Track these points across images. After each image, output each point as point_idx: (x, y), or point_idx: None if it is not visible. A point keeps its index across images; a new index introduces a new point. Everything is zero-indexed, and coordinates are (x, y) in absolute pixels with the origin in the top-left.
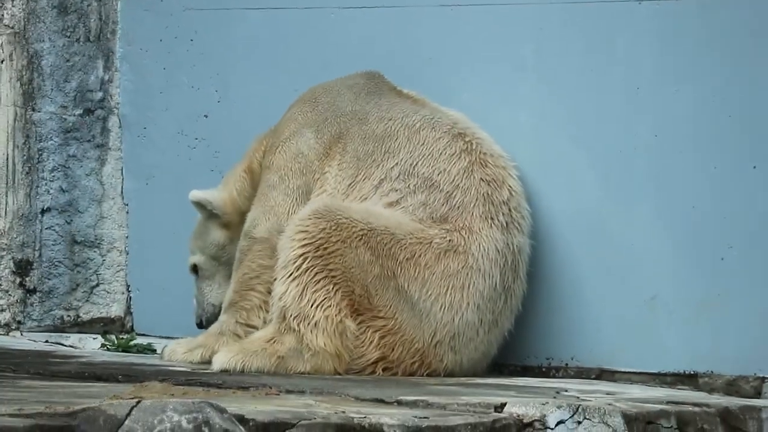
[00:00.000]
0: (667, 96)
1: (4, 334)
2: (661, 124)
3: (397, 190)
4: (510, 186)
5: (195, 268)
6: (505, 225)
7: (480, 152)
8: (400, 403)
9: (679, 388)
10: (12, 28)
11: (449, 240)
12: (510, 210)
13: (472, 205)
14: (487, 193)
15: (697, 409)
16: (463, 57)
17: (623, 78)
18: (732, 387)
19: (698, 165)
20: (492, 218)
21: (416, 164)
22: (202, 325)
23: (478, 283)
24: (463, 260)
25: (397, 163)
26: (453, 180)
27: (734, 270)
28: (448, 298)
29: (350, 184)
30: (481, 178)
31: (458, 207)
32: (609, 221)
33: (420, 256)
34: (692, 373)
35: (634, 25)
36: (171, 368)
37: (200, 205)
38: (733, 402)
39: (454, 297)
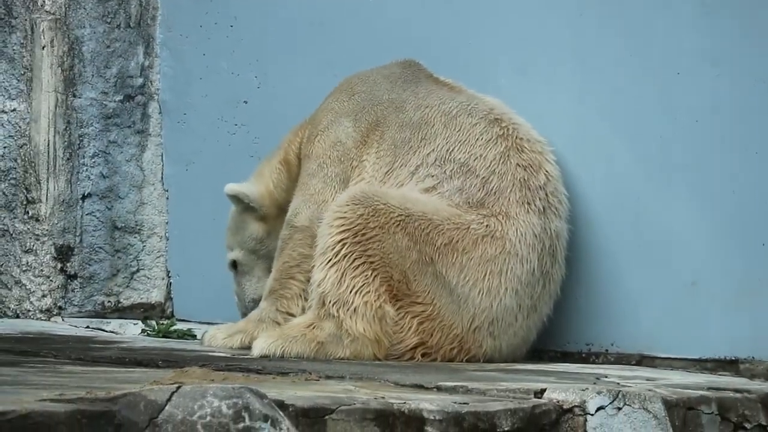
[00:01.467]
0: (708, 80)
1: (45, 320)
2: (701, 108)
3: (433, 176)
4: (547, 171)
5: (234, 264)
6: (542, 210)
7: (516, 137)
8: (439, 388)
9: (719, 374)
10: (53, 14)
11: (486, 225)
12: (547, 195)
13: (508, 191)
14: (524, 179)
15: (738, 395)
16: (501, 42)
17: (663, 62)
18: None
19: (739, 150)
20: (529, 203)
21: (452, 150)
22: None
23: (515, 268)
24: (500, 245)
25: (433, 150)
26: (489, 165)
27: None
28: (486, 283)
29: (387, 172)
30: (518, 164)
31: (495, 192)
32: (649, 206)
33: (457, 241)
34: (733, 359)
35: (674, 8)
36: (211, 354)
37: (237, 198)
38: None
39: (492, 282)
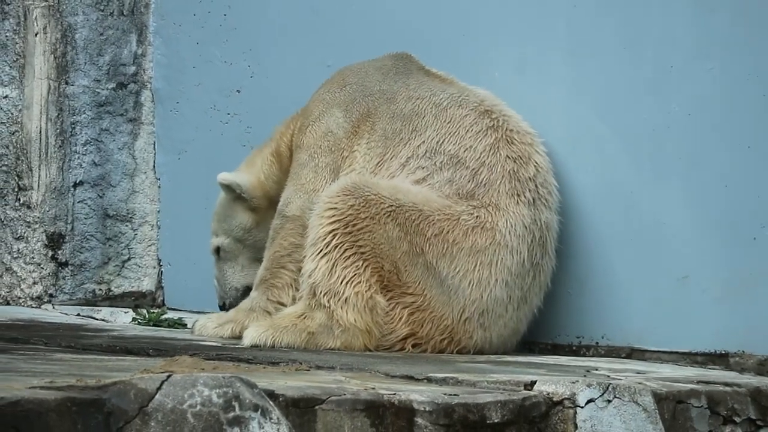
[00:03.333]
0: (701, 74)
1: (36, 307)
2: (694, 102)
3: (423, 168)
4: (536, 162)
5: (218, 250)
6: (531, 201)
7: (506, 129)
8: (429, 380)
9: (709, 368)
10: (46, 1)
11: (476, 216)
12: (536, 186)
13: (498, 182)
14: (513, 170)
15: (728, 389)
16: (494, 34)
17: (656, 55)
18: (763, 367)
19: (732, 144)
20: (518, 195)
21: (443, 141)
22: (225, 307)
23: (505, 260)
24: (490, 236)
25: (423, 141)
26: (479, 157)
27: (766, 250)
28: (476, 274)
29: (378, 163)
30: (507, 155)
31: (484, 184)
32: (640, 199)
33: (448, 232)
34: (723, 352)
35: (667, 1)
36: (201, 343)
37: (229, 188)
38: (765, 382)
39: (482, 273)
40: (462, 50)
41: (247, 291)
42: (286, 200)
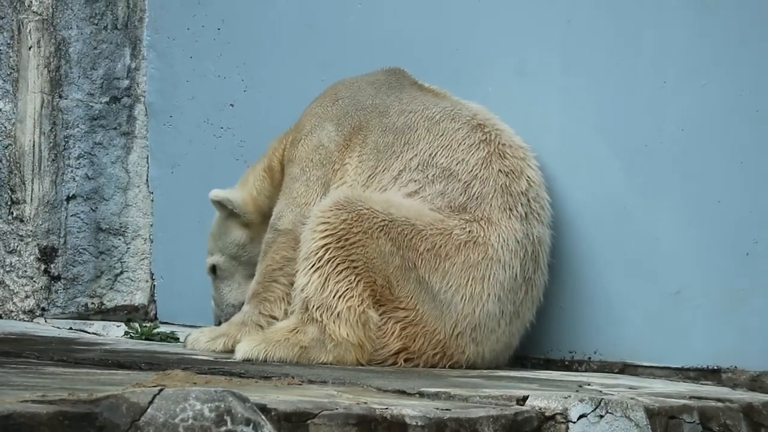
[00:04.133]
0: (695, 90)
1: (28, 321)
2: (688, 117)
3: (415, 181)
4: (528, 177)
5: (214, 269)
6: (524, 215)
7: (499, 143)
8: (421, 394)
9: (702, 383)
10: (40, 14)
11: (469, 231)
12: (529, 200)
13: (490, 196)
14: (506, 184)
15: (720, 404)
16: (488, 49)
17: (650, 70)
18: (755, 383)
19: (725, 159)
20: (510, 209)
21: (435, 155)
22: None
23: (498, 274)
24: (482, 251)
25: (416, 154)
26: (471, 170)
27: (759, 265)
28: (468, 289)
29: (370, 176)
30: (500, 169)
31: (476, 197)
32: (634, 214)
33: (440, 247)
34: (716, 368)
35: (663, 16)
36: (194, 357)
37: (221, 204)
38: (757, 398)
39: (474, 288)
40: (455, 65)
41: None
42: (278, 214)
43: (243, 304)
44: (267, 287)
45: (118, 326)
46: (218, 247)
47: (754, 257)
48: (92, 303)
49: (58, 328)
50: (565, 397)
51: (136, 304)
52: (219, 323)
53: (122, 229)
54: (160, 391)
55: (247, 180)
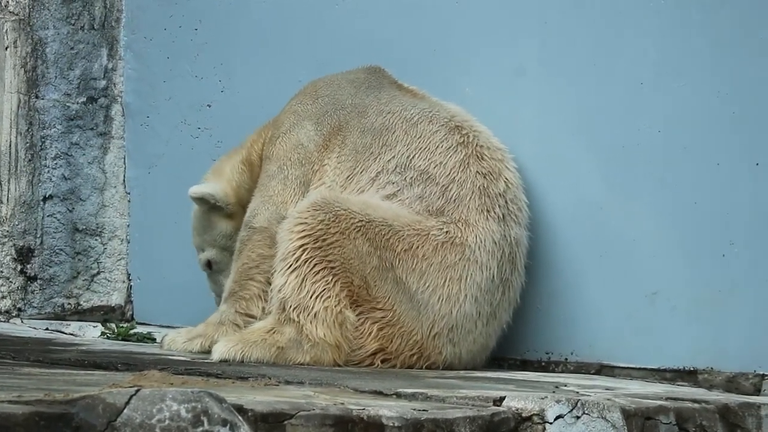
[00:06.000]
0: (671, 91)
1: (4, 321)
2: (664, 119)
3: (393, 183)
4: (506, 178)
5: (209, 264)
6: (501, 217)
7: (476, 145)
8: (398, 395)
9: (678, 384)
10: (17, 14)
11: (446, 232)
12: (506, 202)
13: (468, 198)
14: (483, 186)
15: (696, 405)
16: (466, 50)
17: (627, 72)
18: (732, 384)
19: (701, 161)
20: (488, 210)
21: (413, 157)
22: None
23: (475, 275)
24: (460, 252)
25: (394, 156)
26: (449, 173)
27: (735, 267)
28: (445, 289)
29: (348, 177)
30: (477, 171)
31: (454, 200)
32: (611, 216)
33: (418, 247)
34: (692, 369)
35: (639, 19)
36: (170, 357)
37: (202, 199)
38: (733, 399)
39: (451, 289)
40: (433, 65)
41: None
42: (253, 211)
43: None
44: (243, 285)
45: (94, 327)
46: (206, 241)
47: (731, 258)
48: (69, 303)
49: (35, 328)
50: (542, 398)
51: (112, 305)
52: None
53: (99, 230)
54: (137, 391)
55: (223, 171)
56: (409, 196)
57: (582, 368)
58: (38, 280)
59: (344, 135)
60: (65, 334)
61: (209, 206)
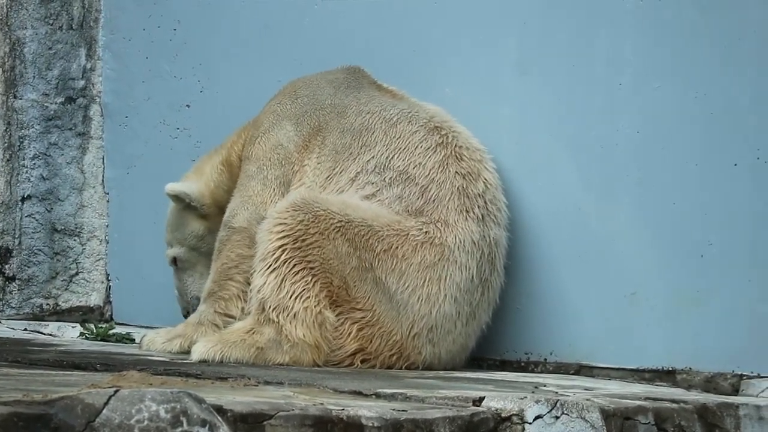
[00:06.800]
0: (649, 92)
1: None
2: (642, 120)
3: (372, 183)
4: (485, 179)
5: (174, 261)
6: (480, 217)
7: (456, 146)
8: (378, 395)
9: (657, 385)
10: None
11: (426, 232)
12: (486, 202)
13: (447, 199)
14: (462, 186)
15: (675, 405)
16: (446, 50)
17: (605, 73)
18: (710, 384)
19: (679, 162)
20: (467, 211)
21: (392, 158)
22: (188, 316)
23: (454, 275)
24: (439, 252)
25: (373, 157)
26: (428, 174)
27: (714, 267)
28: (425, 289)
29: (327, 177)
30: (456, 172)
31: (433, 200)
32: (589, 216)
33: (397, 247)
34: (671, 369)
35: (617, 20)
36: (149, 358)
37: (177, 197)
38: (711, 399)
39: (431, 289)
40: (413, 66)
41: None
42: (233, 212)
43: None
44: (222, 286)
45: (73, 327)
46: (176, 238)
47: (709, 259)
48: (47, 304)
49: (13, 329)
50: (521, 398)
51: (91, 305)
52: (186, 314)
53: (77, 230)
54: (116, 392)
55: (203, 170)
56: (389, 197)
57: (561, 368)
58: (17, 281)
59: (324, 135)
60: (44, 334)
61: (184, 205)
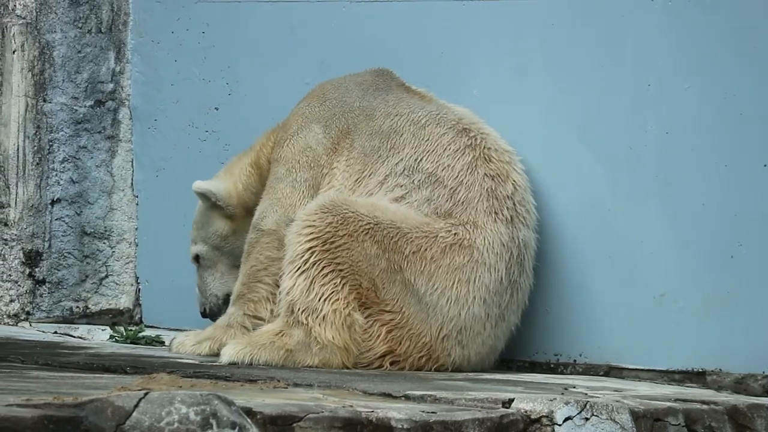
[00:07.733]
0: (678, 93)
1: (13, 325)
2: (671, 121)
3: (401, 186)
4: (514, 180)
5: (197, 258)
6: (509, 219)
7: (484, 147)
8: (407, 397)
9: (687, 386)
10: (24, 18)
11: (455, 234)
12: (514, 204)
13: (476, 201)
14: (491, 188)
15: (705, 406)
16: (473, 52)
17: (633, 74)
18: (740, 385)
19: (708, 162)
20: (496, 212)
21: (421, 160)
22: (206, 314)
23: (483, 277)
24: (468, 254)
25: (402, 159)
26: (457, 176)
27: (743, 268)
28: (454, 291)
29: (357, 180)
30: (485, 173)
31: (462, 202)
32: (618, 218)
33: (426, 249)
34: (700, 370)
35: (645, 20)
36: (179, 360)
37: (204, 195)
38: (741, 400)
39: (460, 291)
40: (441, 68)
41: (227, 298)
42: (262, 214)
43: (225, 294)
44: (252, 288)
45: (103, 330)
46: (201, 236)
47: (738, 260)
48: (77, 307)
49: (43, 332)
50: (551, 400)
51: (121, 308)
52: (204, 311)
53: (107, 233)
54: (146, 394)
55: (233, 171)
56: (418, 199)
57: (591, 370)
58: (46, 284)
59: (352, 138)
60: (74, 337)
61: (210, 203)
